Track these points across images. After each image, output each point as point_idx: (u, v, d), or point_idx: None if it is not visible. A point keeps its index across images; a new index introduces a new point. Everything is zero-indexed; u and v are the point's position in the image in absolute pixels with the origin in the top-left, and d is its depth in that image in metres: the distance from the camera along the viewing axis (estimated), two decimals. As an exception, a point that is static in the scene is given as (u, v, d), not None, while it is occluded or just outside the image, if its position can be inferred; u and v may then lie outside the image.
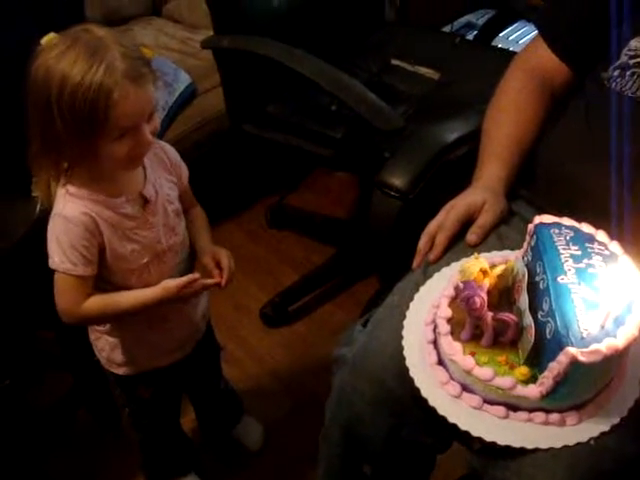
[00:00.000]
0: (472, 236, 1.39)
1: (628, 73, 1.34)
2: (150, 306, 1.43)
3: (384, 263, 1.78)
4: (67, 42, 1.23)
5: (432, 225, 1.42)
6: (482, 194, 1.42)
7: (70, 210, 1.34)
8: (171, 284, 1.42)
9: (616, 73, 1.36)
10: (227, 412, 2.07)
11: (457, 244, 1.41)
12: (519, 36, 3.23)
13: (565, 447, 1.11)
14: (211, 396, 1.98)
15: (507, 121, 1.51)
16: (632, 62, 1.33)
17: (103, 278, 1.42)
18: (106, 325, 1.53)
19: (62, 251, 1.34)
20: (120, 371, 1.61)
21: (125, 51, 1.23)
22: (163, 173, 1.48)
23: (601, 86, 1.39)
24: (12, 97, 1.83)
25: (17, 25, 1.90)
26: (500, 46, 2.87)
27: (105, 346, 1.58)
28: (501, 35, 2.99)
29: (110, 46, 1.23)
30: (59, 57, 1.22)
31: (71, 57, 1.21)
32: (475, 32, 2.95)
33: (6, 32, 1.87)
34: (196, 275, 1.45)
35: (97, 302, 1.41)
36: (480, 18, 3.30)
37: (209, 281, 1.49)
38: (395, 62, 2.39)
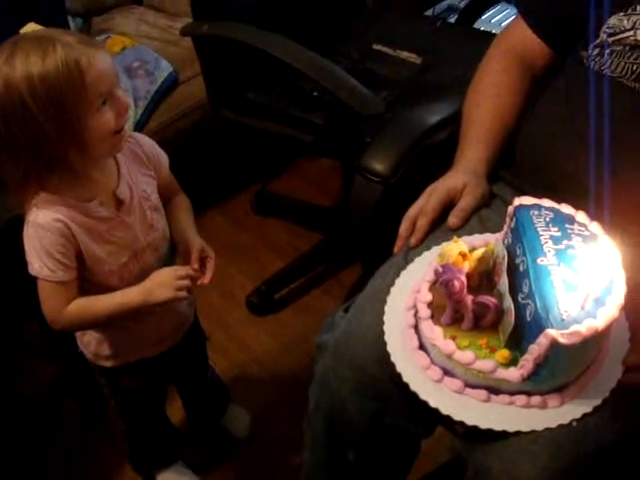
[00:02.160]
0: (453, 219, 1.38)
1: (607, 52, 1.33)
2: (134, 308, 1.42)
3: (366, 248, 1.77)
4: (8, 49, 1.21)
5: (413, 209, 1.41)
6: (463, 177, 1.41)
7: (42, 217, 1.31)
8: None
9: (595, 52, 1.35)
10: (214, 402, 2.07)
11: (438, 228, 1.41)
12: (501, 19, 3.23)
13: (547, 429, 1.11)
14: (198, 386, 1.97)
15: (488, 103, 1.50)
16: (611, 40, 1.32)
17: (85, 279, 1.41)
18: None
19: (39, 258, 1.33)
20: (108, 364, 1.60)
21: (67, 31, 1.24)
22: (139, 168, 1.46)
23: (580, 65, 1.38)
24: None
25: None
26: (482, 29, 2.86)
27: (91, 341, 1.57)
28: (483, 18, 2.98)
29: (51, 32, 1.23)
30: (9, 63, 1.20)
31: (22, 56, 1.19)
32: (456, 15, 2.94)
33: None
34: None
35: (78, 305, 1.39)
36: (461, 1, 3.29)
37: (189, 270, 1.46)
38: (377, 47, 2.37)
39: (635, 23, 1.29)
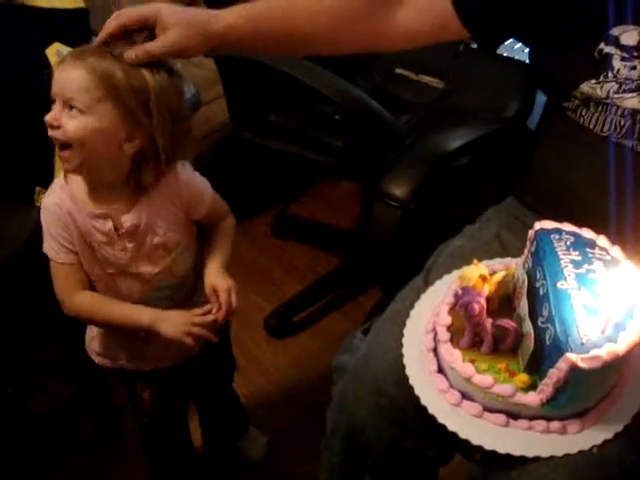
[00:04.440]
0: (131, 53, 1.26)
1: (592, 103, 1.29)
2: (140, 326, 1.42)
3: (385, 273, 1.77)
4: None
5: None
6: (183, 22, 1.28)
7: (49, 199, 1.38)
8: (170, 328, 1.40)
9: (576, 102, 1.32)
10: (233, 425, 2.06)
11: (459, 251, 1.40)
12: (524, 45, 3.22)
13: (566, 456, 1.09)
14: (217, 409, 1.97)
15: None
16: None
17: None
18: None
19: (47, 238, 1.39)
20: (96, 360, 1.60)
21: (86, 47, 1.31)
22: (166, 203, 1.42)
23: (564, 117, 1.35)
24: (14, 107, 1.84)
25: (21, 37, 1.92)
26: (505, 54, 2.86)
27: (92, 329, 1.57)
28: (506, 44, 2.97)
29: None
30: None
31: None
32: (479, 40, 2.94)
33: (10, 45, 1.89)
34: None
35: (90, 299, 1.42)
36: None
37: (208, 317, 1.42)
38: (399, 71, 2.38)
39: (609, 92, 1.25)
